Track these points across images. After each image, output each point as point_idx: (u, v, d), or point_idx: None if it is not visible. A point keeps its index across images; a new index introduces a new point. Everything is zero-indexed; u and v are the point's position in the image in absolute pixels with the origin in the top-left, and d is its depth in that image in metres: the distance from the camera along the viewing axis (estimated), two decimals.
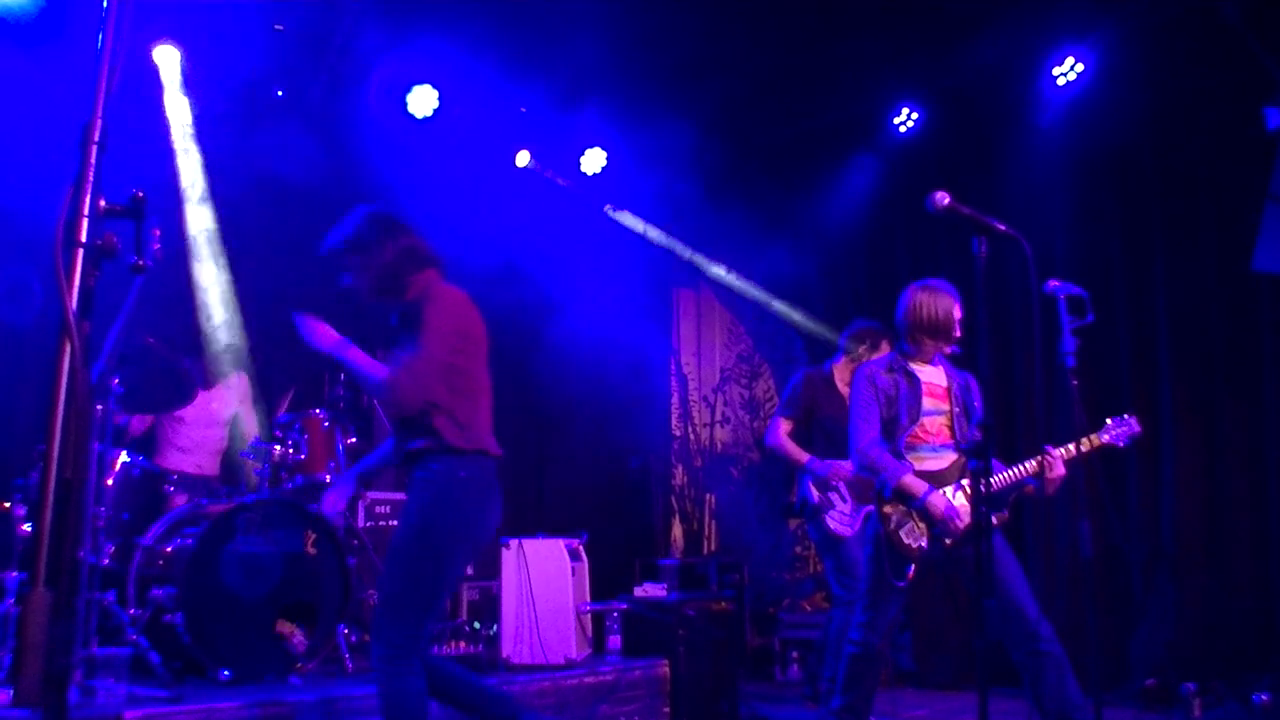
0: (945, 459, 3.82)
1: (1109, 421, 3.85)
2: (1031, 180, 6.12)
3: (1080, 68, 5.88)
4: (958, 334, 3.86)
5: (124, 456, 4.57)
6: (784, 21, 5.93)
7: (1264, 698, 4.66)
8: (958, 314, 3.84)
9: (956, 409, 3.85)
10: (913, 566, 3.72)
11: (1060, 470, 3.69)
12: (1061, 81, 5.94)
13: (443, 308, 2.99)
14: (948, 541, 3.72)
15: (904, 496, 3.73)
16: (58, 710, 1.04)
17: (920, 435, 3.85)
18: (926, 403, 3.84)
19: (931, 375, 3.90)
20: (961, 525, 3.65)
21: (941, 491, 3.74)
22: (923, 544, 3.71)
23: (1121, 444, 3.83)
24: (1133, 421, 3.83)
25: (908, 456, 3.82)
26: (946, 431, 3.85)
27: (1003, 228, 2.92)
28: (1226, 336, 5.44)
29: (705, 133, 7.06)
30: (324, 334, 3.06)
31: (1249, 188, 5.10)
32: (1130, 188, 5.82)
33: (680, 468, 8.11)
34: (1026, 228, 3.11)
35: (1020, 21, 5.80)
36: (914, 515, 3.76)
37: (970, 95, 6.41)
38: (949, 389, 3.88)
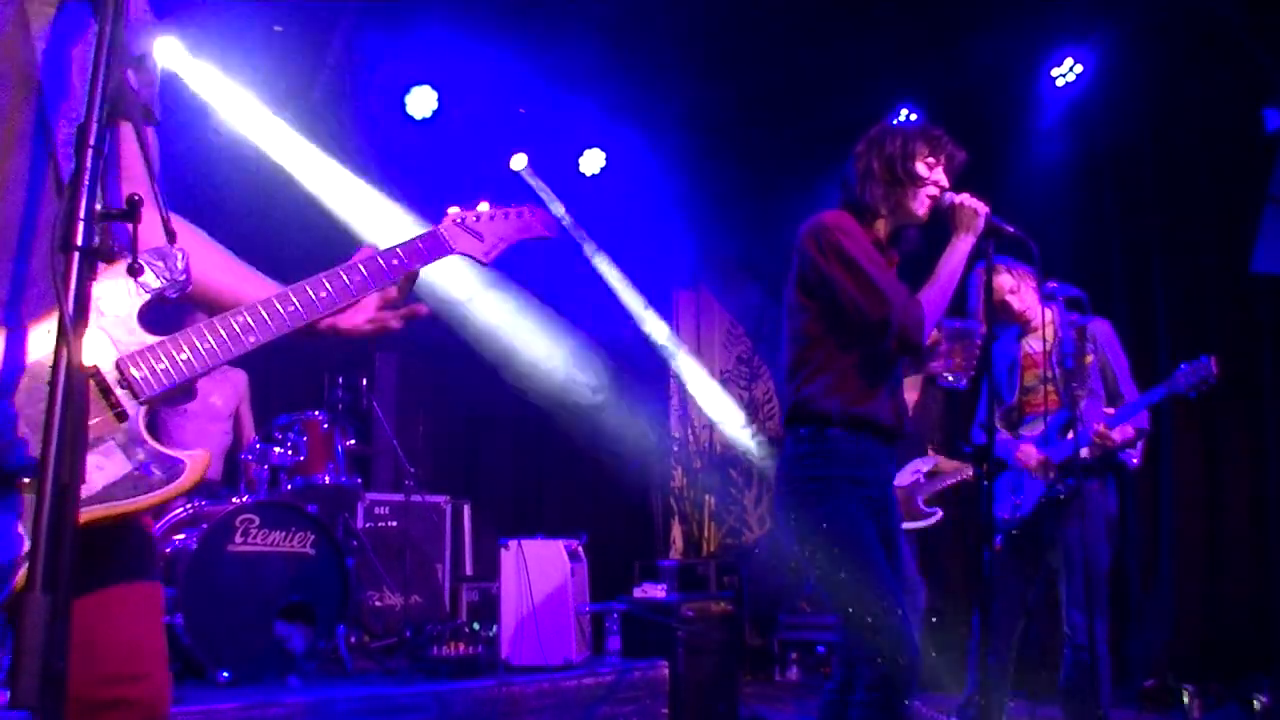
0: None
1: (1182, 366, 3.68)
2: (1031, 180, 6.12)
3: (1080, 69, 5.88)
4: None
5: None
6: (783, 23, 5.92)
7: (1263, 699, 4.66)
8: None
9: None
10: (1000, 537, 3.81)
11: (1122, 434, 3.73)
12: (1061, 83, 5.94)
13: None
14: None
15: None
16: (55, 713, 1.03)
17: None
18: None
19: None
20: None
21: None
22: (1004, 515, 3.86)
23: (1191, 395, 3.68)
24: (1210, 363, 3.62)
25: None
26: None
27: (1011, 229, 2.88)
28: (1226, 337, 5.43)
29: (705, 134, 7.05)
30: None
31: (1248, 189, 5.10)
32: (1130, 188, 5.82)
33: (679, 469, 8.10)
34: (1026, 228, 3.11)
35: (1020, 22, 5.79)
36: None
37: (970, 96, 6.41)
38: None
